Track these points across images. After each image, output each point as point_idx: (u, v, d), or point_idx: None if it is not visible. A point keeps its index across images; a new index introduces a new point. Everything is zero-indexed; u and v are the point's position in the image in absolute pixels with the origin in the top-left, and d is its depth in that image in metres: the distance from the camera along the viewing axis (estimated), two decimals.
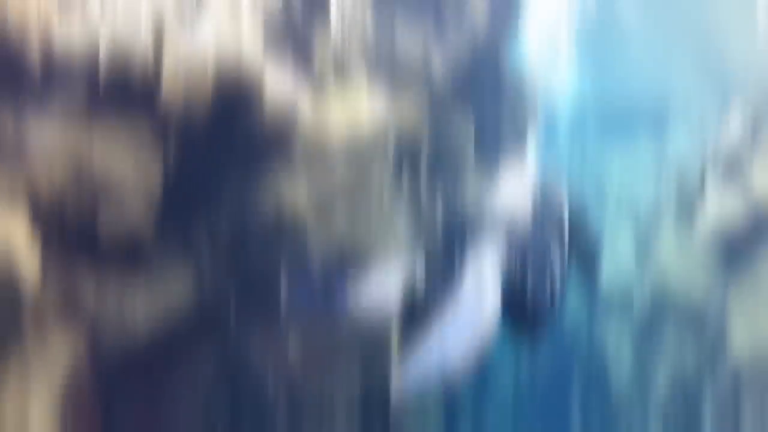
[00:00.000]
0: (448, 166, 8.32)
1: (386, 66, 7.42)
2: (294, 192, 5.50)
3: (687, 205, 12.84)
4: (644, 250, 14.59)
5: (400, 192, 6.17)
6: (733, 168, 10.72)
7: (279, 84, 5.09)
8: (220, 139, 4.85)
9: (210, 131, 4.79)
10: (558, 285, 3.92)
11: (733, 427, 9.36)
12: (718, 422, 9.84)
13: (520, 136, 10.18)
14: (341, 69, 6.55)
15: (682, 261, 12.03)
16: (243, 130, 4.80)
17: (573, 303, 15.62)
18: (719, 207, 10.48)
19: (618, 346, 13.74)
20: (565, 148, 20.34)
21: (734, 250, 10.60)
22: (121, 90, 4.83)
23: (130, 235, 4.94)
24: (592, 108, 20.25)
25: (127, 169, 4.90)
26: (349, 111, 6.21)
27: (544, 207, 4.09)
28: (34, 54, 4.64)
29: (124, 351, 5.11)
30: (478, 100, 9.51)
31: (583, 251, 4.41)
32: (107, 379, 5.20)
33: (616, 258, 15.58)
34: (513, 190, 4.12)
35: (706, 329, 10.76)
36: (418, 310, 3.31)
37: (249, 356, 5.85)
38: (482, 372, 15.01)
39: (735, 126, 11.08)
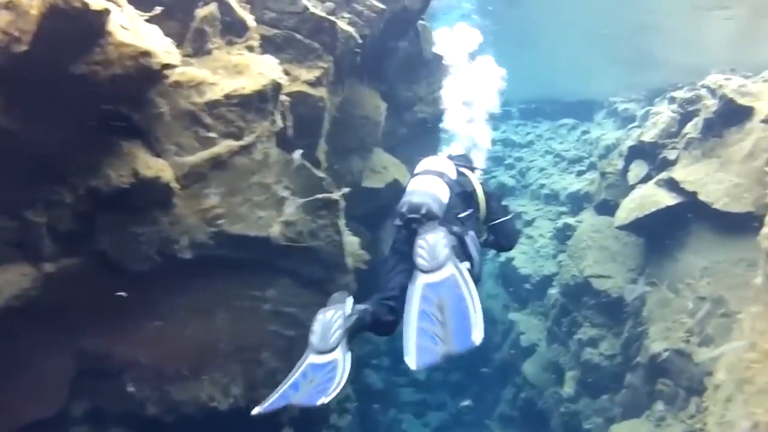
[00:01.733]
0: (352, 137, 7.68)
1: (287, 28, 6.73)
2: (157, 158, 4.69)
3: (609, 195, 12.90)
4: (564, 238, 14.55)
5: (289, 161, 5.46)
6: (657, 161, 10.78)
7: (133, 32, 4.27)
8: (54, 90, 3.97)
9: (40, 79, 3.91)
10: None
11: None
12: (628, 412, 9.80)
13: (434, 113, 9.66)
14: (228, 28, 5.82)
15: (601, 250, 12.02)
16: (81, 80, 3.94)
17: (488, 288, 15.41)
18: (641, 198, 10.48)
19: (533, 333, 13.64)
20: (485, 130, 20.11)
21: (654, 241, 10.68)
22: None
23: None
24: (514, 91, 19.97)
25: None
26: (231, 71, 5.47)
27: (454, 189, 3.66)
28: None
29: None
30: (389, 72, 8.93)
31: (499, 235, 4.04)
32: None
33: (536, 245, 15.51)
34: (423, 173, 3.69)
35: (623, 319, 10.72)
36: None
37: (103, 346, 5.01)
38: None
39: (662, 120, 11.15)
